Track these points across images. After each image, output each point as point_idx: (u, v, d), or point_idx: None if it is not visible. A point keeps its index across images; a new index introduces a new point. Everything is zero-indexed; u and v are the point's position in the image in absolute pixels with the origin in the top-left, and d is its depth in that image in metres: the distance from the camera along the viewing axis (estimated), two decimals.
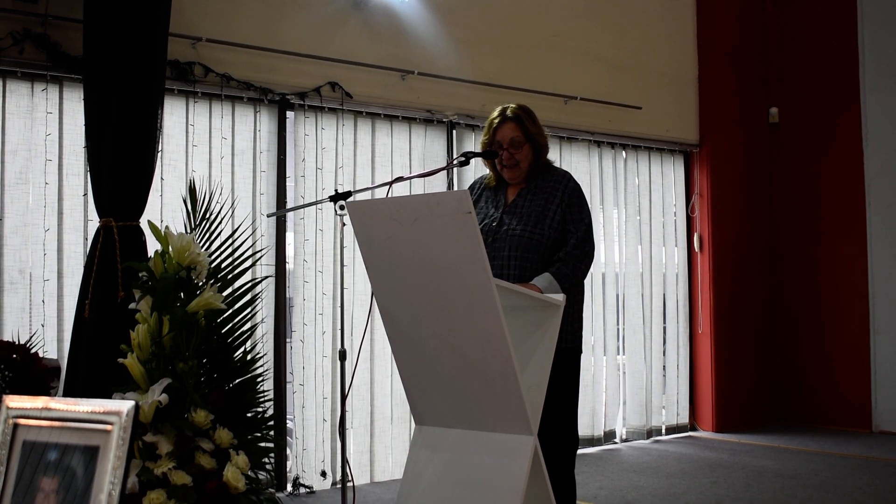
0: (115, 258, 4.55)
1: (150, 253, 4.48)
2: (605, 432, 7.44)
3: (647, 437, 7.70)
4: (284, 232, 5.92)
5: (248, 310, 4.32)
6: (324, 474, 5.84)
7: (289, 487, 5.75)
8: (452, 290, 3.08)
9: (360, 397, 6.04)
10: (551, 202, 3.84)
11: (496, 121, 3.92)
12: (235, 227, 5.09)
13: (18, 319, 4.82)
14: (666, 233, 8.10)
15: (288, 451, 5.84)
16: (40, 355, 4.05)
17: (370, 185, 5.89)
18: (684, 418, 8.08)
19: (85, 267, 4.67)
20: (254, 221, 5.61)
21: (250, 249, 4.67)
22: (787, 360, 8.53)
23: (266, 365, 5.13)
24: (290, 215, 5.92)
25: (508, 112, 3.92)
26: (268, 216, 5.70)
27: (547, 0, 7.26)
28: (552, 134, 6.89)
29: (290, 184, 5.94)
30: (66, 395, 4.43)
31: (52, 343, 4.91)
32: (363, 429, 6.08)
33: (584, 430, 6.95)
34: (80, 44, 4.76)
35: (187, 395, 3.68)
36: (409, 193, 6.01)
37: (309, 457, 5.79)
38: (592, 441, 7.28)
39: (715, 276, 8.12)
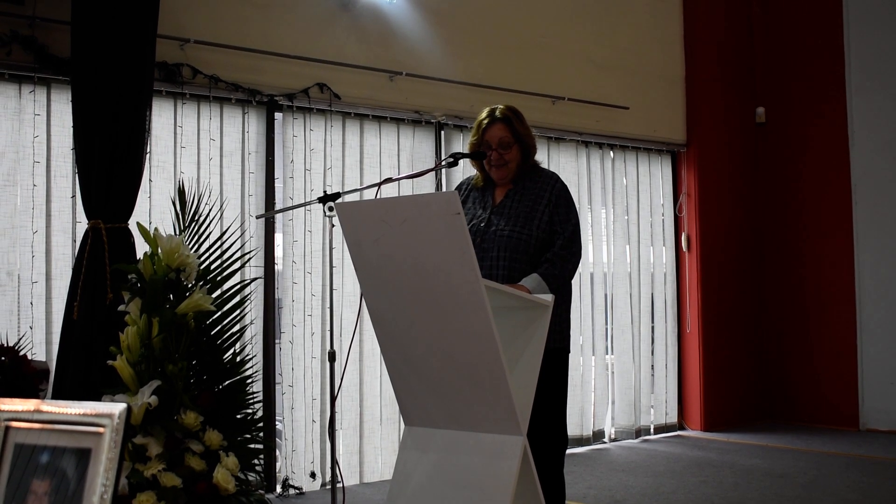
0: (104, 260, 4.54)
1: (139, 255, 4.48)
2: (593, 432, 7.46)
3: (636, 437, 7.72)
4: (273, 233, 5.91)
5: (238, 311, 4.33)
6: (313, 475, 5.84)
7: (278, 489, 5.75)
8: (441, 291, 3.09)
9: (349, 398, 6.05)
10: (539, 203, 3.85)
11: (485, 121, 3.93)
12: (224, 228, 5.08)
13: (7, 322, 4.80)
14: (654, 232, 8.13)
15: (277, 452, 5.83)
16: (29, 358, 4.04)
17: (359, 187, 5.90)
18: (673, 417, 8.11)
19: (73, 269, 4.66)
20: (243, 223, 5.61)
21: (239, 251, 4.68)
22: (774, 359, 8.57)
23: (255, 366, 5.13)
24: (279, 217, 5.92)
25: (497, 113, 3.93)
26: (257, 218, 5.70)
27: (534, 1, 7.28)
28: (540, 134, 6.91)
29: (278, 185, 5.94)
30: (54, 397, 4.42)
31: (41, 345, 4.90)
32: (352, 430, 6.08)
33: (572, 429, 6.97)
34: (67, 45, 4.75)
35: (177, 396, 3.69)
36: (397, 195, 6.01)
37: (298, 458, 5.79)
38: (581, 441, 7.30)
39: (703, 275, 8.15)
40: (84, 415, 1.33)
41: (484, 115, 3.95)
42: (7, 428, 1.41)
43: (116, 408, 1.31)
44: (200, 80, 5.51)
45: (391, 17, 6.37)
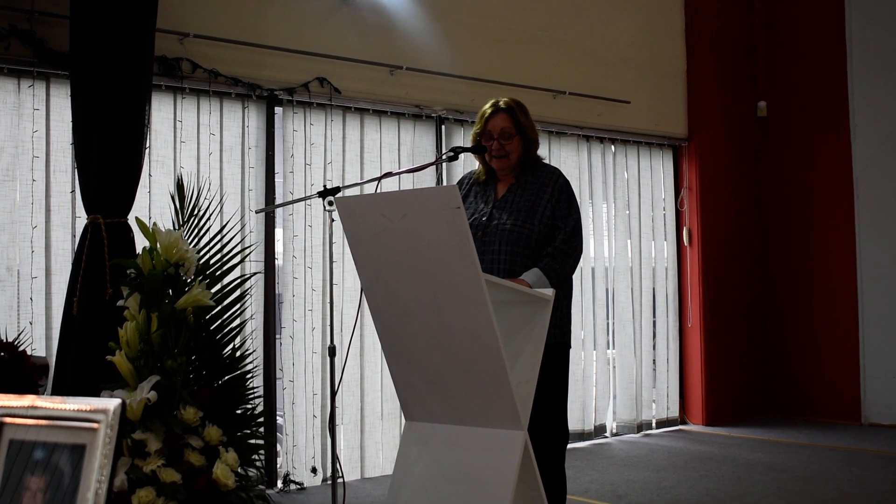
0: (103, 255, 4.53)
1: (139, 250, 4.47)
2: (595, 426, 7.45)
3: (638, 431, 7.72)
4: (273, 228, 5.90)
5: (238, 306, 4.32)
6: (314, 470, 5.83)
7: (279, 484, 5.75)
8: (442, 286, 3.08)
9: (349, 393, 6.04)
10: (541, 197, 3.85)
11: (488, 111, 3.95)
12: (224, 223, 5.07)
13: (6, 317, 4.80)
14: (655, 227, 8.12)
15: (278, 447, 5.83)
16: (28, 353, 4.03)
17: (359, 181, 5.88)
18: (674, 412, 8.10)
19: (73, 264, 4.66)
20: (242, 217, 5.60)
21: (239, 246, 4.66)
22: (776, 353, 8.55)
23: (255, 361, 5.13)
24: (278, 211, 5.91)
25: (501, 103, 3.96)
26: (256, 212, 5.69)
27: None
28: (541, 129, 6.87)
29: (278, 180, 5.93)
30: (54, 392, 4.41)
31: (41, 341, 4.89)
32: (353, 425, 6.08)
33: (574, 424, 6.96)
34: (66, 40, 4.74)
35: (176, 392, 3.67)
36: (398, 189, 6.00)
37: (299, 453, 5.79)
38: (583, 435, 7.29)
39: (704, 269, 8.14)
40: (79, 410, 1.32)
41: (488, 105, 3.99)
42: (1, 424, 1.40)
43: (111, 403, 1.30)
44: (200, 74, 5.50)
45: (391, 11, 6.35)
